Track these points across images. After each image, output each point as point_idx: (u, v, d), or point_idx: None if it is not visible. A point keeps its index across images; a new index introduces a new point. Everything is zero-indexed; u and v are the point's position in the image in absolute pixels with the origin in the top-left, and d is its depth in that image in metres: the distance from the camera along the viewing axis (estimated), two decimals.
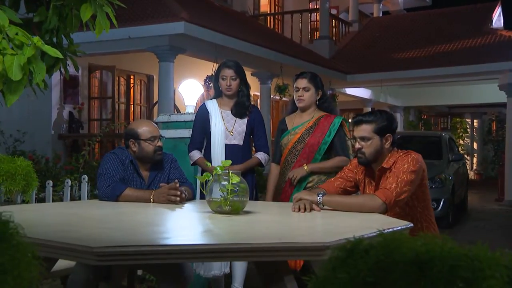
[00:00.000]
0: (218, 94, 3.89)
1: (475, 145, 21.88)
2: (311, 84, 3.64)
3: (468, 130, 21.67)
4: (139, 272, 4.09)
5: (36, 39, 2.93)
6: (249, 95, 3.88)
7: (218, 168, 2.59)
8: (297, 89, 3.68)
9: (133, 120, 10.69)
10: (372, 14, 17.78)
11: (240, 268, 3.81)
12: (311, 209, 2.62)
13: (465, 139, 21.17)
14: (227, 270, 3.82)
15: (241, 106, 3.80)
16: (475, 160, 21.45)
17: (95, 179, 5.85)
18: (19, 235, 1.06)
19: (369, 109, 15.75)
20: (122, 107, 10.60)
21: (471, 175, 19.30)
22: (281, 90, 10.87)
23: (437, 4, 19.00)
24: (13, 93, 3.04)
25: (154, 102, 10.57)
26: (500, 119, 21.19)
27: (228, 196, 2.46)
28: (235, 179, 2.52)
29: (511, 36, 13.06)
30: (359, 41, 15.23)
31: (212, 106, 3.85)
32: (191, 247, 1.73)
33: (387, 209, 2.66)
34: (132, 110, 10.79)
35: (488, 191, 15.27)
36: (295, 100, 3.71)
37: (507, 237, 7.24)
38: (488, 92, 15.72)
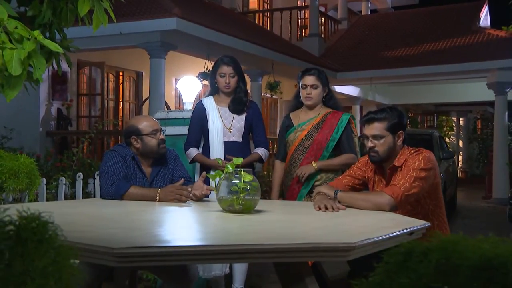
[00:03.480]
0: (214, 91, 3.81)
1: (460, 143, 22.04)
2: (319, 82, 3.58)
3: (454, 128, 21.82)
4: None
5: (36, 33, 2.85)
6: (246, 91, 3.81)
7: (229, 166, 2.53)
8: (305, 87, 3.61)
9: (122, 117, 10.58)
10: (361, 12, 17.79)
11: (240, 268, 3.76)
12: (333, 209, 2.57)
13: (451, 137, 21.31)
14: (227, 271, 3.77)
15: (239, 102, 3.73)
16: (460, 158, 21.60)
17: (87, 176, 5.78)
18: (58, 237, 1.00)
19: (358, 107, 15.81)
20: (111, 104, 10.48)
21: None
22: (272, 87, 10.81)
23: (424, 2, 19.09)
24: (12, 88, 2.96)
25: (143, 99, 10.46)
26: (485, 117, 21.38)
27: (241, 195, 2.41)
28: (248, 177, 2.46)
29: (499, 35, 13.14)
30: (348, 39, 15.23)
31: (209, 103, 3.77)
32: (217, 248, 1.67)
33: (396, 205, 2.63)
34: (121, 107, 10.66)
35: (474, 189, 15.39)
36: (302, 98, 3.64)
37: (498, 235, 7.26)
38: (474, 90, 15.85)
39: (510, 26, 15.21)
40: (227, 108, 3.73)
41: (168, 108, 9.72)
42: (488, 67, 12.09)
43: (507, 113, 12.48)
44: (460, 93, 16.75)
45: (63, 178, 4.81)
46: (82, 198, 4.99)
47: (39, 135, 8.88)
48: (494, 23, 17.04)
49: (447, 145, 11.02)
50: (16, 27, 2.85)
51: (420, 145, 3.03)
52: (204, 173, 3.09)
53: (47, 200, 4.77)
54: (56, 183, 4.90)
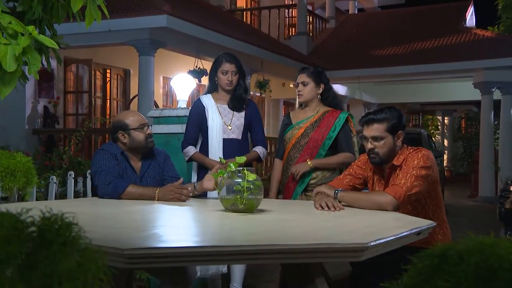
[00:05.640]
0: (213, 88, 3.75)
1: (445, 142, 22.21)
2: (310, 79, 3.56)
3: (439, 127, 21.98)
4: None
5: (31, 28, 2.78)
6: (246, 88, 3.77)
7: (232, 165, 2.49)
8: (297, 84, 3.62)
9: (110, 115, 10.48)
10: (348, 11, 17.83)
11: (239, 268, 3.72)
12: (335, 209, 2.55)
13: (436, 136, 21.46)
14: (224, 270, 3.72)
15: (239, 100, 3.68)
16: (445, 157, 21.78)
17: (76, 175, 5.70)
18: (82, 238, 0.95)
19: (345, 106, 15.82)
20: (99, 101, 10.37)
21: None
22: (261, 85, 10.76)
23: (410, 2, 19.18)
24: (7, 85, 2.89)
25: (131, 97, 10.36)
26: (469, 116, 21.58)
27: (245, 194, 2.37)
28: (251, 176, 2.43)
29: (485, 35, 13.25)
30: (336, 37, 15.25)
31: (208, 101, 3.71)
32: (230, 249, 1.63)
33: (398, 205, 2.61)
34: (108, 105, 10.55)
35: (460, 187, 15.51)
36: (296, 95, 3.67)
37: (487, 234, 7.31)
38: (459, 90, 15.97)
39: (496, 27, 15.41)
40: (226, 106, 3.68)
41: (157, 106, 9.64)
42: (475, 67, 12.18)
43: (493, 112, 12.59)
44: (445, 93, 16.86)
45: (54, 177, 4.73)
46: (73, 197, 4.92)
47: (25, 133, 8.75)
48: (480, 23, 17.21)
49: (434, 144, 11.09)
50: (10, 22, 2.79)
51: (409, 144, 3.00)
52: (216, 167, 3.06)
53: (37, 199, 4.68)
54: (47, 182, 4.81)
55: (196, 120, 3.69)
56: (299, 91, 3.59)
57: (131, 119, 3.15)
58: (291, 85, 12.72)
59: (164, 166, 3.24)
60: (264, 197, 2.55)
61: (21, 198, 3.39)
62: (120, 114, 3.42)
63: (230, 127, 3.63)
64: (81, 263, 0.92)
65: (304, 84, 3.57)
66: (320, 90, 3.61)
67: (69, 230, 0.94)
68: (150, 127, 3.20)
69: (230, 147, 3.59)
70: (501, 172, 11.74)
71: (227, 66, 3.61)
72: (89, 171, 4.81)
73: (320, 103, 3.62)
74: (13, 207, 1.04)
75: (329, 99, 3.63)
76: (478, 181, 12.59)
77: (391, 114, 2.82)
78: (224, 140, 3.62)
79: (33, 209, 0.98)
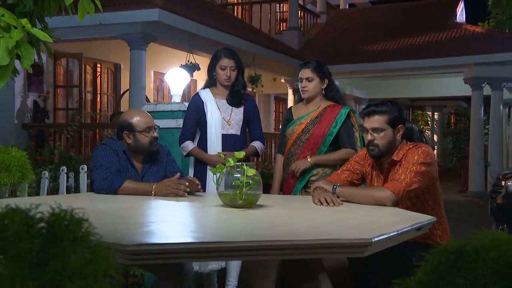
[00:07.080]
0: (212, 83, 3.73)
1: (435, 138, 22.32)
2: (314, 74, 3.52)
3: (429, 122, 22.08)
4: None
5: (24, 21, 2.74)
6: (244, 83, 3.75)
7: (231, 160, 2.47)
8: (301, 80, 3.56)
9: (100, 110, 10.40)
10: (339, 6, 17.83)
11: (236, 263, 3.70)
12: (334, 204, 2.54)
13: (426, 131, 21.56)
14: (223, 265, 3.70)
15: (237, 95, 3.66)
16: (435, 152, 21.89)
17: (68, 170, 5.65)
18: (92, 235, 0.93)
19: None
20: (89, 96, 10.28)
21: None
22: (253, 80, 10.72)
23: None
24: (0, 79, 2.85)
25: (122, 92, 10.29)
26: (458, 112, 21.71)
27: (244, 189, 2.35)
28: (250, 171, 2.40)
29: (475, 31, 13.30)
30: (327, 32, 15.24)
31: (207, 96, 3.69)
32: (234, 245, 1.61)
33: (397, 200, 2.61)
34: (99, 100, 10.47)
35: (449, 182, 15.53)
36: (300, 91, 3.60)
37: (480, 228, 7.34)
38: (449, 85, 16.02)
39: (486, 22, 15.47)
40: (225, 101, 3.66)
41: (148, 101, 9.58)
42: (465, 62, 12.22)
43: (483, 107, 12.65)
44: (435, 88, 16.90)
45: (46, 172, 4.67)
46: (65, 193, 4.87)
47: (15, 128, 8.65)
48: (470, 19, 17.28)
49: (426, 140, 11.13)
50: (3, 15, 2.74)
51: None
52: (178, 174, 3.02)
53: (28, 195, 4.63)
54: (38, 177, 4.75)
55: (195, 114, 3.67)
56: (304, 87, 3.54)
57: (138, 119, 3.07)
58: (282, 80, 12.70)
59: (167, 162, 3.20)
60: (265, 192, 2.53)
61: (15, 194, 3.34)
62: (128, 112, 3.28)
63: (229, 123, 3.61)
64: (91, 259, 0.90)
65: (309, 79, 3.52)
66: (325, 85, 3.57)
67: (79, 226, 0.91)
68: (156, 129, 3.14)
69: (229, 143, 3.57)
70: (490, 168, 11.82)
71: (226, 62, 3.59)
72: (81, 166, 4.77)
73: (322, 97, 3.58)
74: (22, 203, 1.02)
75: (332, 93, 3.59)
76: (468, 176, 12.65)
77: (392, 108, 2.82)
78: (223, 135, 3.60)
79: (42, 204, 0.96)
